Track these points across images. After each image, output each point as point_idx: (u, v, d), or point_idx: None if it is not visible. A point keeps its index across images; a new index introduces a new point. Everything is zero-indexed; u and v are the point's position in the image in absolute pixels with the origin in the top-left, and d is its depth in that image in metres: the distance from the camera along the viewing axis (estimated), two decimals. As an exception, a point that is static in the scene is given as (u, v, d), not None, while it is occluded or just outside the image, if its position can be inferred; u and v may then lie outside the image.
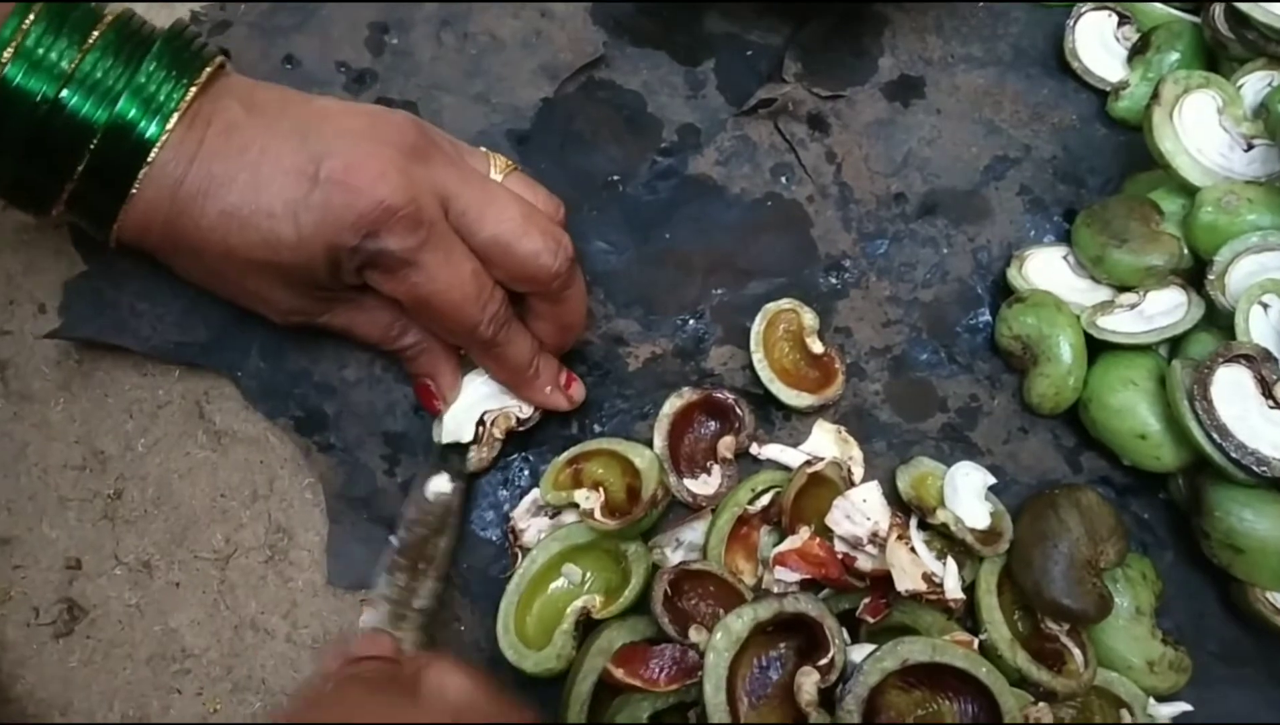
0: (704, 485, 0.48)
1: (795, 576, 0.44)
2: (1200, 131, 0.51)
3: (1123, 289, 0.50)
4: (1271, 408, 0.44)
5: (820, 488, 0.46)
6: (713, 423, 0.49)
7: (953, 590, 0.43)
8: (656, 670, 0.42)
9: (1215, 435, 0.43)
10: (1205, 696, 0.46)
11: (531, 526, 0.47)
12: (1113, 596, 0.44)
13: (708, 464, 0.48)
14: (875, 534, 0.44)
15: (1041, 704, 0.42)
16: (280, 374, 0.49)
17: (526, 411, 0.48)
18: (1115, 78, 0.57)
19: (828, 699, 0.39)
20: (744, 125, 0.55)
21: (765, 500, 0.47)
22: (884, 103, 0.57)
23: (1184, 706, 0.45)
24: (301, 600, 0.48)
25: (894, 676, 0.39)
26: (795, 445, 0.49)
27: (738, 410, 0.48)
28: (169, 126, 0.40)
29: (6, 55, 0.38)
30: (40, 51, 0.38)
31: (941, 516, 0.44)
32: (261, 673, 0.47)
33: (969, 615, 0.45)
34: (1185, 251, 0.49)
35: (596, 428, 0.49)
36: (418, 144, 0.43)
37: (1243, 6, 0.50)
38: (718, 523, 0.46)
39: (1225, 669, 0.47)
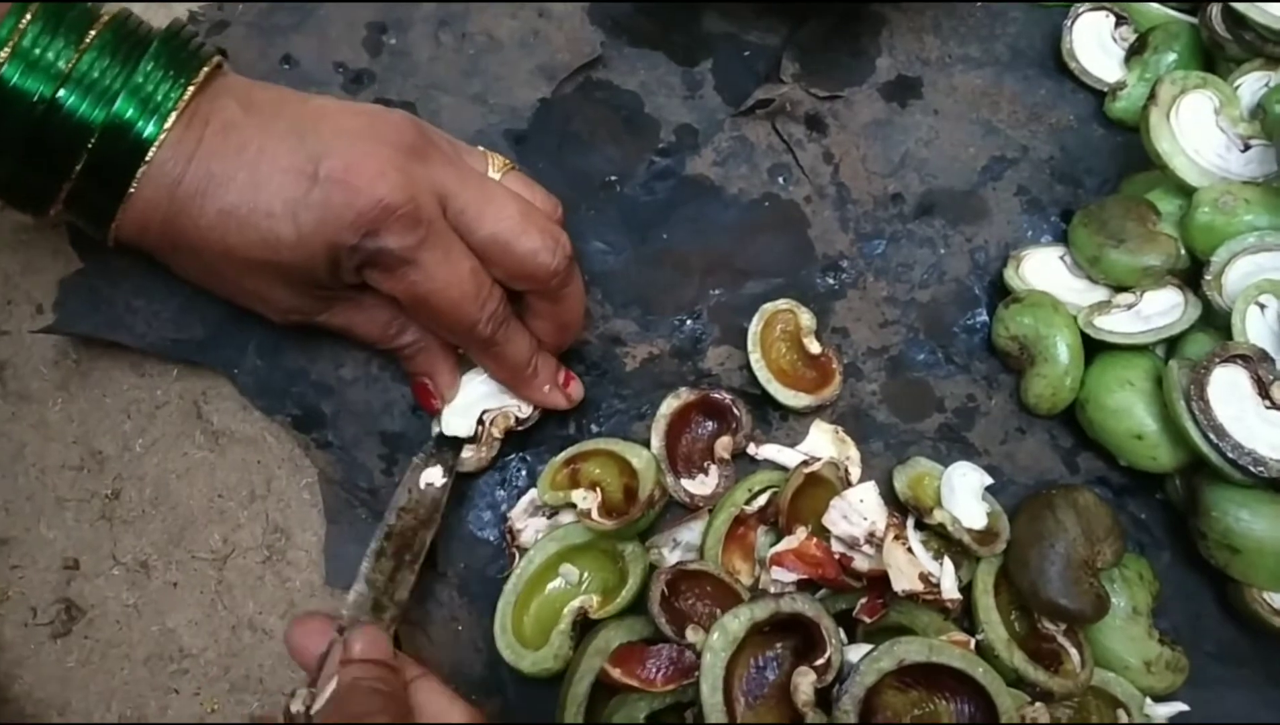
0: (701, 485, 0.48)
1: (792, 576, 0.44)
2: (1197, 132, 0.51)
3: (1120, 289, 0.50)
4: (1268, 408, 0.44)
5: (817, 488, 0.46)
6: (710, 423, 0.49)
7: (949, 590, 0.44)
8: (654, 670, 0.42)
9: (1212, 435, 0.43)
10: (1202, 697, 0.46)
11: (529, 526, 0.47)
12: (1109, 596, 0.44)
13: (705, 464, 0.48)
14: (872, 534, 0.44)
15: (1038, 704, 0.42)
16: (277, 372, 0.49)
17: (526, 411, 0.48)
18: (1112, 78, 0.57)
19: (824, 699, 0.39)
20: (741, 126, 0.56)
21: (762, 500, 0.47)
22: (881, 103, 0.57)
23: (1181, 707, 0.45)
24: (299, 600, 0.48)
25: (890, 677, 0.39)
26: (792, 445, 0.49)
27: (735, 410, 0.48)
28: (167, 126, 0.40)
29: (3, 55, 0.38)
30: (37, 51, 0.38)
31: (938, 517, 0.44)
32: (259, 673, 0.47)
33: (966, 615, 0.45)
34: (1182, 252, 0.49)
35: (594, 428, 0.50)
36: (416, 143, 0.43)
37: (1240, 7, 0.50)
38: (715, 523, 0.46)
39: (1222, 669, 0.47)
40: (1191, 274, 0.50)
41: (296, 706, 0.39)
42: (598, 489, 0.46)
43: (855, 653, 0.40)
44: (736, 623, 0.39)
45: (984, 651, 0.43)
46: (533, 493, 0.47)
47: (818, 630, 0.40)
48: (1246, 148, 0.50)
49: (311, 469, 0.49)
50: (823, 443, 0.49)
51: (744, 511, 0.47)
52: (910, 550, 0.44)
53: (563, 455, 0.47)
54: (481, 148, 0.48)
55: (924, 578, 0.43)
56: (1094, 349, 0.49)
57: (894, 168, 0.55)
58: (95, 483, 0.49)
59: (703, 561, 0.45)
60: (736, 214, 0.54)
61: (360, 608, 0.42)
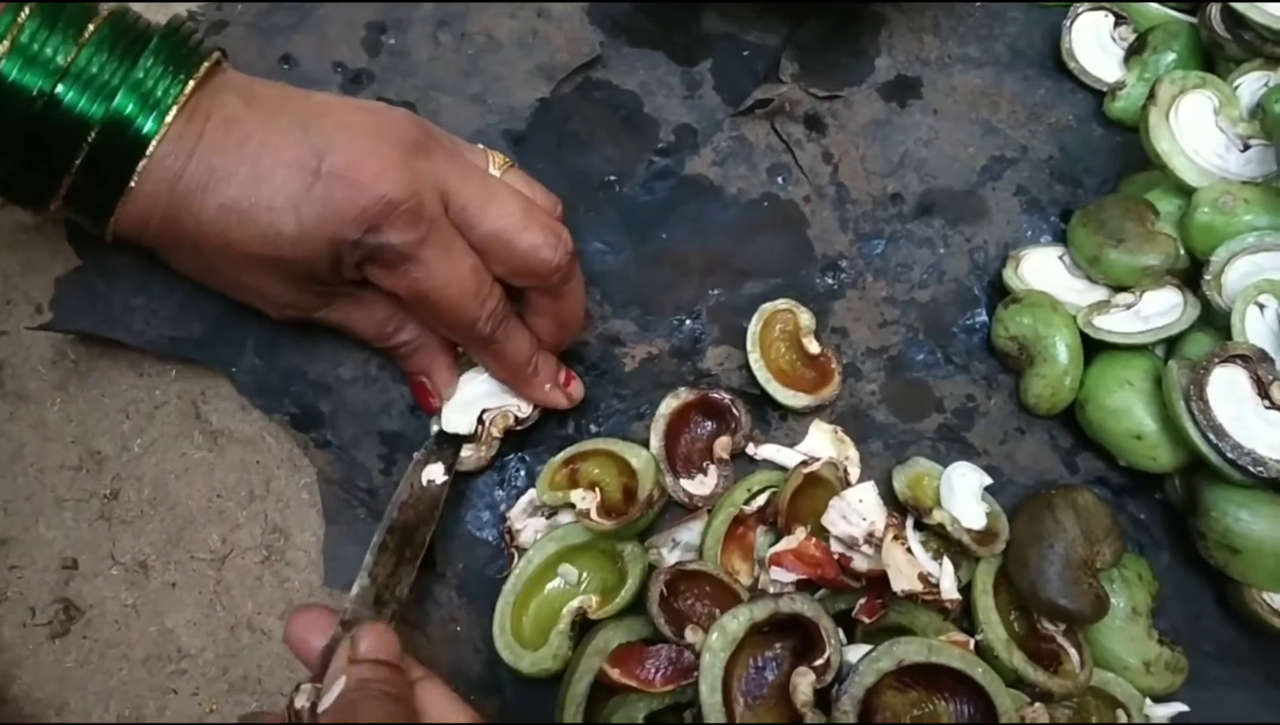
0: (700, 485, 0.48)
1: (791, 577, 0.44)
2: (1197, 132, 0.51)
3: (1119, 289, 0.50)
4: (1268, 408, 0.44)
5: (816, 488, 0.46)
6: (709, 423, 0.49)
7: (949, 591, 0.43)
8: (652, 671, 0.42)
9: (1211, 436, 0.43)
10: (1202, 697, 0.46)
11: (528, 527, 0.47)
12: (1109, 597, 0.44)
13: (704, 464, 0.48)
14: (871, 534, 0.44)
15: (1037, 704, 0.42)
16: (276, 371, 0.48)
17: (525, 411, 0.48)
18: (1112, 78, 0.57)
19: (823, 699, 0.39)
20: (741, 125, 0.55)
21: (761, 500, 0.47)
22: (881, 103, 0.57)
23: (1180, 707, 0.45)
24: (298, 601, 0.48)
25: (890, 677, 0.39)
26: (791, 445, 0.49)
27: (734, 410, 0.48)
28: (167, 121, 0.40)
29: (1, 50, 0.38)
30: (35, 47, 0.38)
31: (938, 517, 0.44)
32: (258, 673, 0.47)
33: (965, 615, 0.45)
34: (1181, 252, 0.49)
35: (593, 428, 0.49)
36: (419, 139, 0.43)
37: (1239, 7, 0.50)
38: (714, 523, 0.46)
39: (1221, 669, 0.47)
40: (1191, 274, 0.50)
41: (301, 702, 0.38)
42: (597, 489, 0.45)
43: (854, 653, 0.40)
44: (735, 623, 0.39)
45: (983, 652, 0.43)
46: (531, 493, 0.47)
47: (817, 630, 0.40)
48: (1246, 148, 0.50)
49: (310, 469, 0.49)
50: (822, 443, 0.49)
51: (743, 511, 0.46)
52: (909, 550, 0.44)
53: (562, 455, 0.47)
54: (481, 146, 0.48)
55: (923, 578, 0.43)
56: (1093, 349, 0.49)
57: (893, 168, 0.55)
58: (94, 483, 0.48)
59: (702, 562, 0.45)
60: (736, 214, 0.54)
61: (363, 602, 0.42)
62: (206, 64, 0.41)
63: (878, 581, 0.44)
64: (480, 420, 0.47)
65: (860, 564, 0.44)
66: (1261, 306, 0.46)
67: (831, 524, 0.44)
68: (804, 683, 0.38)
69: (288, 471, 0.49)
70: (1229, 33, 0.52)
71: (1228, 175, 0.50)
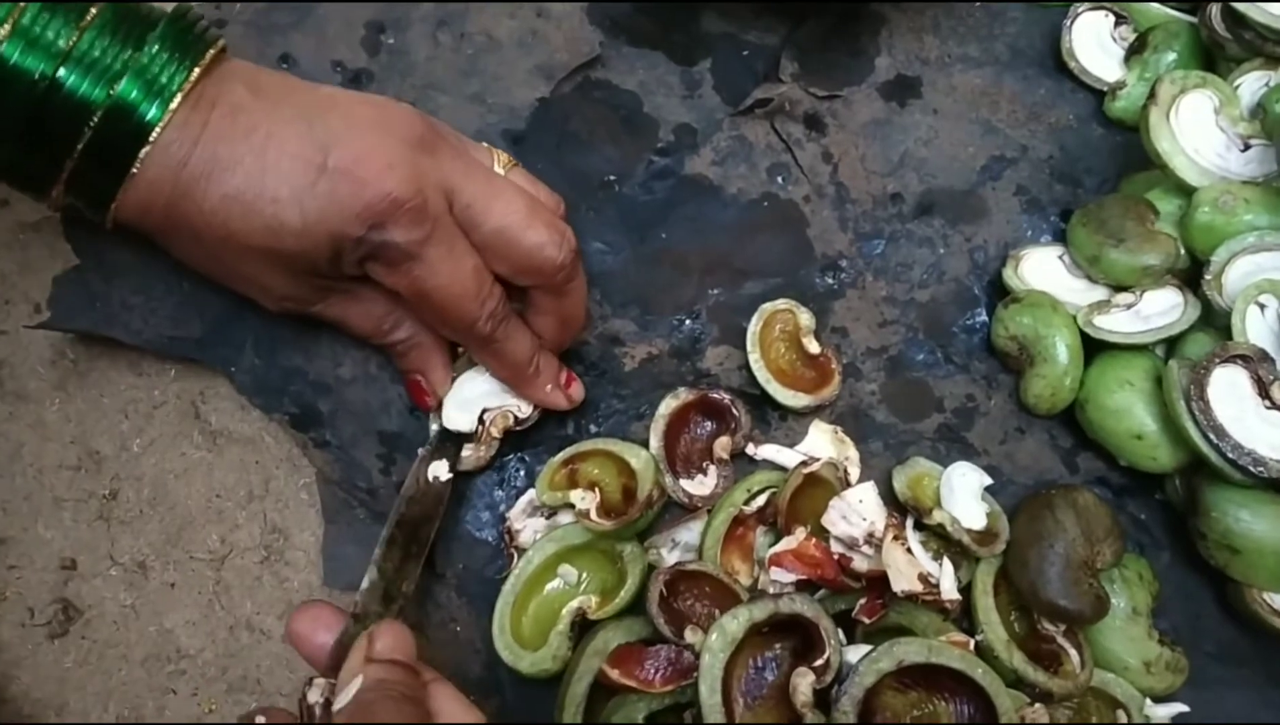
0: (700, 486, 0.47)
1: (791, 577, 0.44)
2: (1197, 131, 0.51)
3: (1119, 289, 0.50)
4: (1268, 408, 0.44)
5: (816, 488, 0.46)
6: (709, 423, 0.49)
7: (949, 591, 0.43)
8: (652, 671, 0.42)
9: (1212, 436, 0.43)
10: (1202, 697, 0.46)
11: (527, 527, 0.47)
12: (1109, 597, 0.44)
13: (704, 464, 0.48)
14: (871, 534, 0.44)
15: (1038, 705, 0.42)
16: (275, 371, 0.48)
17: (525, 411, 0.48)
18: (1112, 78, 0.57)
19: (823, 700, 0.39)
20: (740, 125, 0.55)
21: (761, 501, 0.47)
22: (880, 103, 0.57)
23: (1181, 707, 0.45)
24: (297, 601, 0.48)
25: (890, 677, 0.38)
26: (791, 445, 0.49)
27: (734, 410, 0.48)
28: (171, 107, 0.39)
29: (3, 32, 0.38)
30: (37, 29, 0.38)
31: (938, 517, 0.44)
32: (257, 673, 0.47)
33: (965, 616, 0.45)
34: (1182, 251, 0.49)
35: (592, 428, 0.49)
36: (425, 136, 0.43)
37: (1240, 6, 0.50)
38: (713, 523, 0.46)
39: (1222, 670, 0.47)
40: (1191, 274, 0.50)
41: (314, 697, 0.38)
42: (596, 489, 0.45)
43: (854, 653, 0.40)
44: (735, 623, 0.39)
45: (983, 652, 0.43)
46: (531, 493, 0.47)
47: (817, 631, 0.40)
48: (1246, 147, 0.50)
49: (309, 469, 0.49)
50: (822, 443, 0.49)
51: (743, 512, 0.46)
52: (909, 551, 0.44)
53: (561, 455, 0.47)
54: (485, 144, 0.48)
55: (923, 578, 0.43)
56: (1093, 349, 0.49)
57: (893, 167, 0.55)
58: (93, 483, 0.48)
59: (701, 562, 0.45)
60: (735, 214, 0.54)
61: (372, 596, 0.42)
62: (212, 51, 0.41)
63: (878, 582, 0.44)
64: (480, 420, 0.47)
65: (860, 564, 0.44)
66: (1262, 306, 0.46)
67: (831, 524, 0.44)
68: (804, 683, 0.38)
69: (287, 471, 0.49)
70: (1229, 32, 0.52)
71: (1228, 175, 0.50)
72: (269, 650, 0.47)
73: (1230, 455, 0.43)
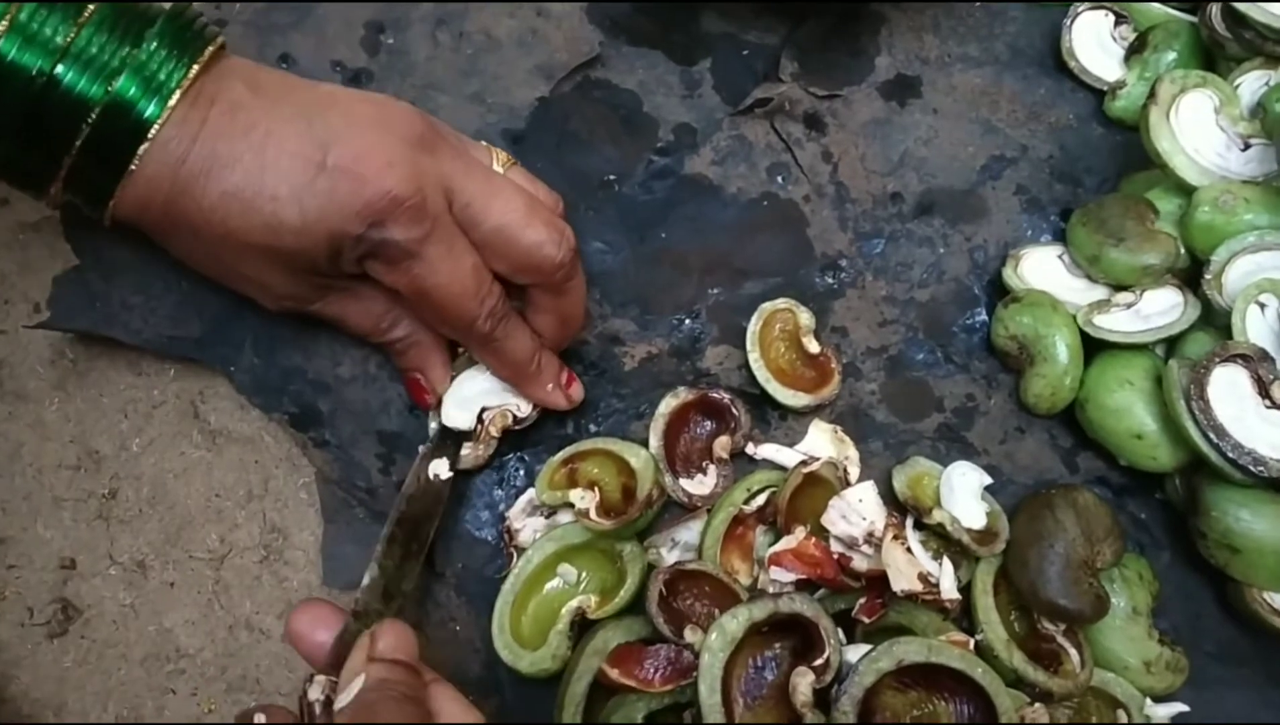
0: (699, 485, 0.47)
1: (791, 576, 0.44)
2: (1197, 131, 0.50)
3: (1119, 288, 0.50)
4: (1268, 408, 0.44)
5: (816, 488, 0.46)
6: (708, 422, 0.49)
7: (948, 590, 0.43)
8: (651, 671, 0.41)
9: (1212, 435, 0.43)
10: (1202, 697, 0.46)
11: (527, 526, 0.47)
12: (1109, 597, 0.44)
13: (703, 464, 0.48)
14: (871, 534, 0.44)
15: (1038, 705, 0.42)
16: (274, 370, 0.48)
17: (524, 410, 0.48)
18: (1112, 77, 0.57)
19: (823, 700, 0.39)
20: (740, 125, 0.55)
21: (761, 500, 0.47)
22: (880, 102, 0.57)
23: (1181, 707, 0.45)
24: (297, 600, 0.47)
25: (889, 677, 0.38)
26: (791, 445, 0.49)
27: (733, 410, 0.48)
28: (170, 104, 0.39)
29: (0, 28, 0.38)
30: (34, 26, 0.38)
31: (938, 516, 0.44)
32: (256, 673, 0.47)
33: (965, 615, 0.45)
34: (1182, 251, 0.49)
35: (592, 427, 0.49)
36: (425, 134, 0.43)
37: (1240, 6, 0.50)
38: (713, 523, 0.46)
39: (1222, 669, 0.47)
40: (1191, 273, 0.50)
41: (315, 694, 0.38)
42: (596, 489, 0.45)
43: (854, 653, 0.40)
44: (735, 623, 0.39)
45: (983, 652, 0.43)
46: (531, 492, 0.47)
47: (816, 630, 0.40)
48: (1246, 147, 0.50)
49: (309, 468, 0.49)
50: (821, 442, 0.49)
51: (742, 511, 0.46)
52: (909, 550, 0.44)
53: (561, 455, 0.47)
54: (485, 143, 0.48)
55: (923, 578, 0.43)
56: (1093, 348, 0.49)
57: (893, 167, 0.55)
58: (92, 482, 0.48)
59: (701, 561, 0.45)
60: (735, 213, 0.54)
61: (373, 593, 0.42)
62: (211, 48, 0.41)
63: (877, 581, 0.44)
64: (479, 418, 0.47)
65: (860, 564, 0.44)
66: (1262, 306, 0.46)
67: (831, 524, 0.44)
68: (803, 683, 0.38)
69: (286, 471, 0.49)
70: (1229, 32, 0.52)
71: (1228, 174, 0.50)
72: (268, 650, 0.47)
73: (1230, 455, 0.43)
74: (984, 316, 0.53)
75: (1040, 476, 0.50)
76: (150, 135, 0.39)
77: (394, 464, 0.48)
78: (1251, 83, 0.51)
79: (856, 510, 0.44)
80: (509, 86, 0.55)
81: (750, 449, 0.49)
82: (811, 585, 0.44)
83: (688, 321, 0.51)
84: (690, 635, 0.41)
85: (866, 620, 0.44)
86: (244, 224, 0.41)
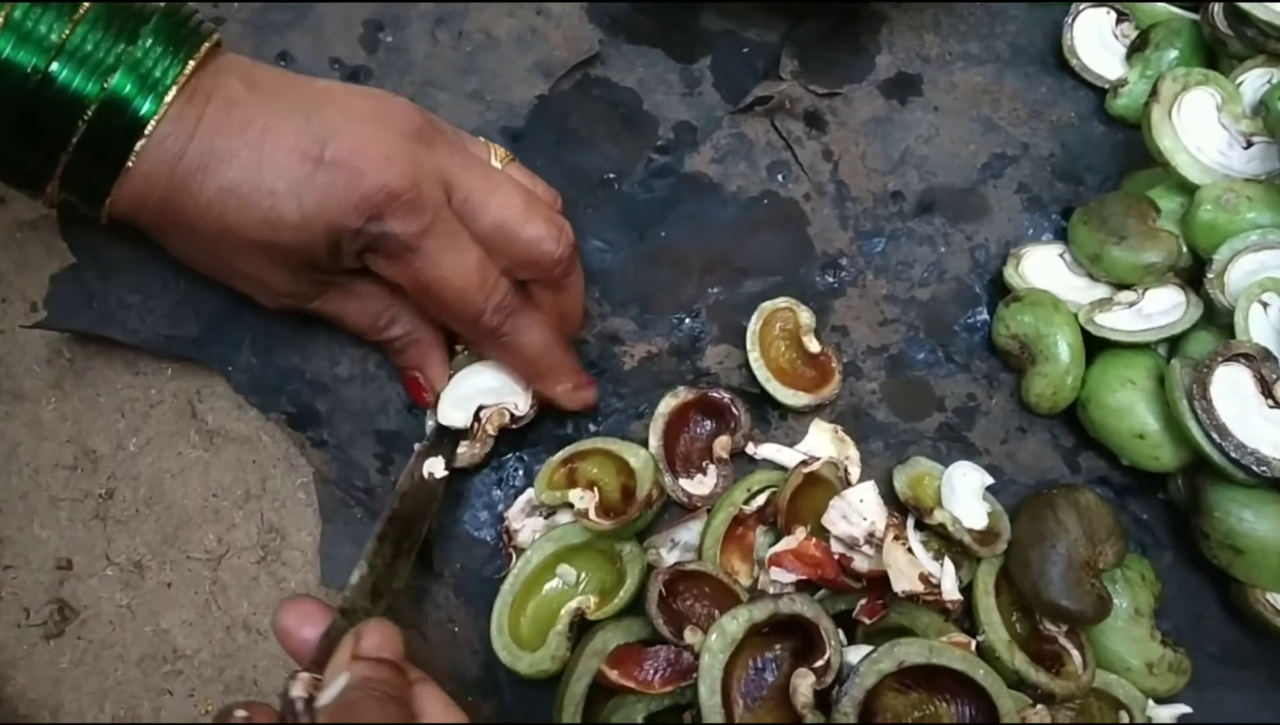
0: (699, 485, 0.47)
1: (791, 577, 0.44)
2: (1199, 129, 0.50)
3: (1121, 287, 0.50)
4: (1271, 407, 0.44)
5: (816, 488, 0.46)
6: (708, 422, 0.49)
7: (950, 591, 0.43)
8: (651, 672, 0.41)
9: (1214, 435, 0.43)
10: (1205, 698, 0.45)
11: (526, 527, 0.47)
12: (1111, 597, 0.44)
13: (703, 464, 0.48)
14: (872, 534, 0.43)
15: (1040, 706, 0.42)
16: (272, 370, 0.48)
17: (521, 409, 0.47)
18: (1114, 75, 0.57)
19: (824, 701, 0.38)
20: (740, 123, 0.55)
21: (761, 500, 0.46)
22: (881, 100, 0.57)
23: (1183, 708, 0.45)
24: (294, 601, 0.47)
25: (890, 678, 0.38)
26: (791, 445, 0.49)
27: (734, 409, 0.48)
28: (166, 101, 0.39)
29: None
30: (29, 23, 0.38)
31: (939, 517, 0.44)
32: (254, 674, 0.47)
33: (966, 616, 0.45)
34: (1184, 249, 0.49)
35: (591, 427, 0.49)
36: (423, 129, 0.43)
37: (1242, 4, 0.50)
38: (713, 523, 0.46)
39: (1225, 670, 0.47)
40: (1193, 272, 0.49)
41: (297, 692, 0.37)
42: (595, 489, 0.45)
43: (855, 654, 0.40)
44: (735, 624, 0.39)
45: (985, 653, 0.43)
46: (530, 492, 0.47)
47: (817, 631, 0.39)
48: (1249, 145, 0.50)
49: (307, 468, 0.49)
50: (822, 442, 0.49)
51: (743, 511, 0.46)
52: (910, 551, 0.44)
53: (560, 454, 0.47)
54: (482, 139, 0.48)
55: (924, 578, 0.43)
56: (1095, 348, 0.49)
57: (894, 165, 0.55)
58: (89, 482, 0.48)
59: (701, 562, 0.45)
60: (735, 212, 0.54)
61: (361, 591, 0.41)
62: (207, 45, 0.41)
63: (878, 582, 0.44)
64: (476, 417, 0.47)
65: (861, 564, 0.44)
66: (1265, 305, 0.46)
67: (832, 524, 0.44)
68: (804, 684, 0.38)
69: (284, 471, 0.49)
70: (1231, 29, 0.52)
71: (1230, 173, 0.50)
72: (266, 650, 0.47)
73: (1233, 454, 0.43)
74: (985, 315, 0.52)
75: (1042, 476, 0.49)
76: (146, 132, 0.39)
77: (392, 464, 0.48)
78: (1254, 80, 0.51)
79: (857, 510, 0.44)
80: (508, 84, 0.55)
81: (750, 449, 0.48)
82: (812, 586, 0.44)
83: (687, 320, 0.51)
84: (690, 636, 0.41)
85: (867, 621, 0.44)
86: (242, 219, 0.40)
